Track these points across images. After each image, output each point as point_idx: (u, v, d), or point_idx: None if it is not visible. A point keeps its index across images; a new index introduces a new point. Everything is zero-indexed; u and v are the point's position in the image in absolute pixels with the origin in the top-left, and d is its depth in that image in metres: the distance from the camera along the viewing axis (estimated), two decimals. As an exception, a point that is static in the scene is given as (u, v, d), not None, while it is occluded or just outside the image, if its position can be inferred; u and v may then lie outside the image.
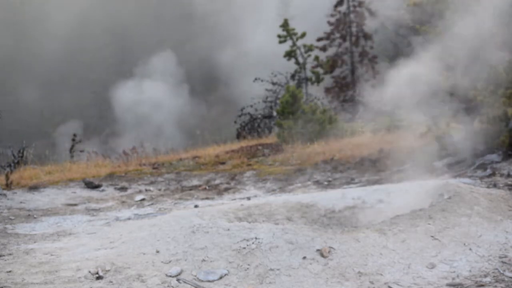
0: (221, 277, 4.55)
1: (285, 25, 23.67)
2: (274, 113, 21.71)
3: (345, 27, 24.63)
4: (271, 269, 4.57)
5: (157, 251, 5.05)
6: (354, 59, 24.73)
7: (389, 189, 6.99)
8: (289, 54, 23.93)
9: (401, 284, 4.39)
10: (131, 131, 32.75)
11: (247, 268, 4.62)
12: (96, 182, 10.51)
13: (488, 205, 5.68)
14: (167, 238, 5.25)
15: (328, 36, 24.86)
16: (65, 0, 40.18)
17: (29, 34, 38.54)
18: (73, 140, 16.64)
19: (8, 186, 10.05)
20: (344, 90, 24.59)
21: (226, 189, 10.00)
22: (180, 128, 32.97)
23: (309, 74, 24.22)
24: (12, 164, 12.96)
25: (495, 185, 7.61)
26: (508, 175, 8.23)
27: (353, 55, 24.80)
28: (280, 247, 4.78)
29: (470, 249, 4.86)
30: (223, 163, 12.43)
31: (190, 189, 10.17)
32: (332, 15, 24.87)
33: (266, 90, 24.74)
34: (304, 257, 4.67)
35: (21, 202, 8.95)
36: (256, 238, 4.90)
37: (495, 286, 4.30)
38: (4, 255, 5.56)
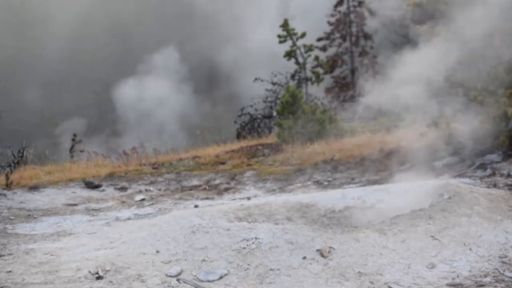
0: (221, 277, 4.55)
1: (285, 25, 23.68)
2: (274, 113, 21.71)
3: (345, 27, 24.64)
4: (271, 269, 4.57)
5: (157, 251, 5.05)
6: (354, 59, 24.74)
7: (389, 189, 6.99)
8: (289, 54, 23.93)
9: (401, 284, 4.39)
10: (134, 130, 32.76)
11: (247, 268, 4.62)
12: (96, 182, 10.51)
13: (488, 205, 5.68)
14: (167, 238, 5.25)
15: (328, 36, 24.88)
16: (65, 0, 40.18)
17: (30, 34, 38.54)
18: (73, 140, 16.64)
19: (8, 186, 10.05)
20: (344, 90, 24.60)
21: (226, 189, 10.01)
22: (183, 126, 32.97)
23: (309, 74, 24.22)
24: (12, 164, 12.96)
25: (495, 185, 7.61)
26: (508, 175, 8.23)
27: (353, 55, 24.81)
28: (280, 247, 4.78)
29: (470, 249, 4.86)
30: (223, 163, 12.43)
31: (190, 189, 10.17)
32: (332, 15, 24.88)
33: (266, 90, 24.74)
34: (304, 257, 4.67)
35: (21, 202, 8.95)
36: (256, 238, 4.90)
37: (495, 286, 4.30)
38: (4, 255, 5.56)
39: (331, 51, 24.87)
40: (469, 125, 9.58)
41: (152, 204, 8.95)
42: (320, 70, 24.25)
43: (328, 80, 24.89)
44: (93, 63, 38.13)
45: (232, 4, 38.29)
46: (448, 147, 9.66)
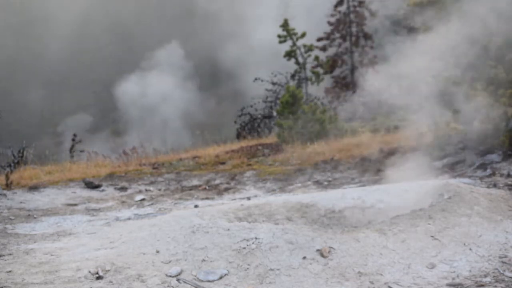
0: (221, 277, 4.55)
1: (285, 25, 23.67)
2: (274, 113, 21.71)
3: (345, 27, 24.62)
4: (271, 269, 4.57)
5: (157, 251, 5.05)
6: (354, 59, 24.73)
7: (389, 189, 6.99)
8: (289, 54, 23.93)
9: (401, 284, 4.39)
10: (137, 128, 32.79)
11: (247, 268, 4.62)
12: (96, 182, 10.51)
13: (488, 205, 5.68)
14: (167, 238, 5.25)
15: (328, 36, 24.86)
16: (66, 0, 40.20)
17: (30, 33, 38.54)
18: (73, 140, 16.63)
19: (8, 186, 10.05)
20: (344, 90, 24.58)
21: (226, 189, 10.01)
22: (186, 123, 32.99)
23: (309, 74, 24.21)
24: (12, 164, 12.96)
25: (495, 185, 7.62)
26: (508, 175, 8.24)
27: (353, 55, 24.80)
28: (280, 247, 4.78)
29: (470, 249, 4.86)
30: (223, 163, 12.43)
31: (190, 189, 10.17)
32: (332, 15, 24.86)
33: (266, 90, 24.74)
34: (304, 257, 4.67)
35: (21, 202, 8.95)
36: (256, 238, 4.90)
37: (495, 286, 4.30)
38: (4, 255, 5.56)
39: (331, 51, 24.85)
40: (469, 125, 9.59)
41: (152, 204, 8.95)
42: (320, 70, 24.24)
43: (328, 80, 24.88)
44: (93, 63, 38.14)
45: (233, 2, 38.30)
46: (448, 147, 9.66)
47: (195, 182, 10.82)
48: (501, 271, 4.53)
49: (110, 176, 11.28)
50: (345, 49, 24.88)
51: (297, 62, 24.14)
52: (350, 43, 24.76)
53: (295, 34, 23.70)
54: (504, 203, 5.88)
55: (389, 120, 12.06)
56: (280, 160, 12.32)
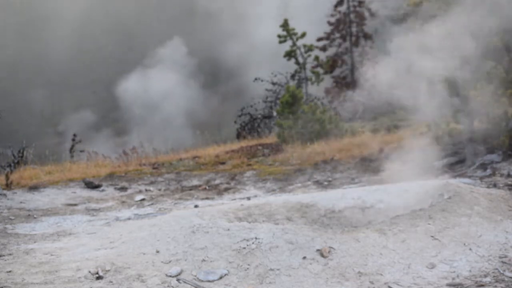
0: (221, 277, 4.55)
1: (285, 25, 23.67)
2: (274, 113, 21.70)
3: (345, 27, 24.63)
4: (271, 269, 4.57)
5: (157, 251, 5.05)
6: (354, 59, 24.73)
7: (389, 189, 6.99)
8: (289, 54, 23.92)
9: (401, 284, 4.39)
10: (139, 126, 32.80)
11: (247, 268, 4.62)
12: (96, 182, 10.51)
13: (488, 205, 5.68)
14: (167, 238, 5.25)
15: (328, 36, 24.87)
16: (67, 0, 40.20)
17: (32, 33, 38.52)
18: (73, 140, 16.62)
19: (8, 186, 10.05)
20: (344, 90, 24.58)
21: (226, 189, 10.01)
22: (187, 122, 33.00)
23: (309, 74, 24.21)
24: (12, 164, 12.96)
25: (495, 185, 7.62)
26: (508, 175, 8.24)
27: (353, 55, 24.80)
28: (280, 247, 4.78)
29: (470, 249, 4.86)
30: (223, 163, 12.43)
31: (190, 189, 10.17)
32: (332, 15, 24.87)
33: (266, 90, 24.74)
34: (304, 257, 4.67)
35: (21, 202, 8.95)
36: (256, 238, 4.90)
37: (495, 286, 4.30)
38: (4, 255, 5.56)
39: (331, 51, 24.86)
40: (469, 125, 9.59)
41: (152, 204, 8.95)
42: (320, 70, 24.24)
43: (328, 80, 24.88)
44: (94, 63, 38.15)
45: (234, 1, 38.32)
46: (448, 147, 9.66)
47: (195, 182, 10.82)
48: (501, 271, 4.53)
49: (110, 176, 11.28)
50: (345, 49, 24.88)
51: (297, 62, 24.14)
52: (350, 43, 24.76)
53: (295, 34, 23.70)
54: (504, 203, 5.88)
55: (389, 120, 12.07)
56: (280, 160, 12.32)
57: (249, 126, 23.24)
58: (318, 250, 4.75)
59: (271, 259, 4.67)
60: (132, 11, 40.58)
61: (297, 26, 24.02)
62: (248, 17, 36.43)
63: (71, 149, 16.25)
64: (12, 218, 7.80)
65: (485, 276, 4.49)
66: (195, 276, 4.60)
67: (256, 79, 24.91)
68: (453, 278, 4.46)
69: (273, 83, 24.71)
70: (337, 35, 24.83)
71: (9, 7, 39.56)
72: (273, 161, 12.28)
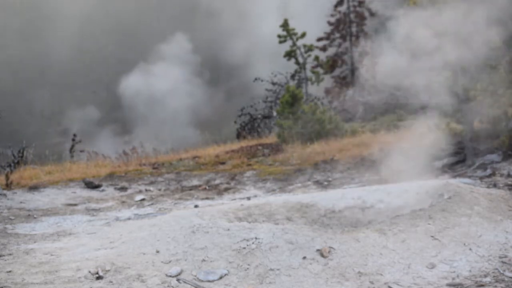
0: (221, 277, 4.55)
1: (285, 25, 23.68)
2: (274, 113, 21.70)
3: (345, 27, 24.62)
4: (271, 269, 4.57)
5: (157, 251, 5.05)
6: (354, 59, 24.72)
7: (389, 189, 6.99)
8: (289, 54, 23.93)
9: (401, 284, 4.39)
10: (140, 125, 32.84)
11: (247, 268, 4.62)
12: (96, 182, 10.51)
13: (488, 205, 5.68)
14: (167, 238, 5.25)
15: (328, 36, 24.86)
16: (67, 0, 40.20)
17: (34, 33, 38.52)
18: (73, 140, 16.63)
19: (8, 186, 10.05)
20: (344, 90, 24.58)
21: (226, 189, 10.01)
22: (187, 121, 33.03)
23: (309, 74, 24.22)
24: (12, 164, 12.96)
25: (495, 185, 7.62)
26: (508, 175, 8.24)
27: (353, 55, 24.80)
28: (280, 247, 4.78)
29: (470, 249, 4.86)
30: (223, 163, 12.43)
31: (190, 189, 10.17)
32: (332, 15, 24.86)
33: (266, 90, 24.75)
34: (304, 257, 4.67)
35: (21, 202, 8.95)
36: (256, 238, 4.90)
37: (495, 286, 4.30)
38: (4, 255, 5.56)
39: (331, 51, 24.85)
40: (469, 125, 9.59)
41: (152, 204, 8.95)
42: (320, 70, 24.24)
43: (328, 80, 24.88)
44: (94, 63, 38.17)
45: (234, 1, 38.35)
46: (448, 147, 9.66)
47: (195, 182, 10.82)
48: (501, 271, 4.53)
49: (110, 176, 11.28)
50: (345, 49, 24.88)
51: (297, 62, 24.15)
52: (350, 43, 24.76)
53: (295, 34, 23.71)
54: (504, 203, 5.88)
55: (389, 120, 12.07)
56: (280, 160, 12.32)
57: (249, 126, 23.24)
58: (318, 250, 4.75)
59: (271, 259, 4.67)
60: (133, 11, 40.59)
61: (297, 26, 24.04)
62: (250, 15, 36.46)
63: (71, 149, 16.26)
64: (12, 218, 7.80)
65: (485, 276, 4.49)
66: (195, 276, 4.60)
67: (256, 79, 24.92)
68: (453, 278, 4.46)
69: (273, 83, 24.71)
70: (337, 35, 24.83)
71: (10, 7, 39.55)
72: (273, 161, 12.28)
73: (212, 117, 32.36)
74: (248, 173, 11.10)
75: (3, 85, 35.06)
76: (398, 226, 5.14)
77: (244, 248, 4.83)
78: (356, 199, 6.91)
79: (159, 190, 10.25)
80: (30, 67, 37.19)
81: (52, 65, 37.66)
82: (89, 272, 4.72)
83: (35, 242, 6.24)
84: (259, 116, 23.68)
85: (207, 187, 10.26)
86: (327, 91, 24.58)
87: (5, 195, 9.25)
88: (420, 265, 4.63)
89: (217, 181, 10.71)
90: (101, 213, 8.18)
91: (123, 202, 9.26)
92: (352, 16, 24.59)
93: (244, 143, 15.90)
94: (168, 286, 4.45)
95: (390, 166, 8.82)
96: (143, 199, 9.33)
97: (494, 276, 4.47)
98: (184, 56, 36.57)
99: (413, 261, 4.68)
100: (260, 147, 14.27)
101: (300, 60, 24.10)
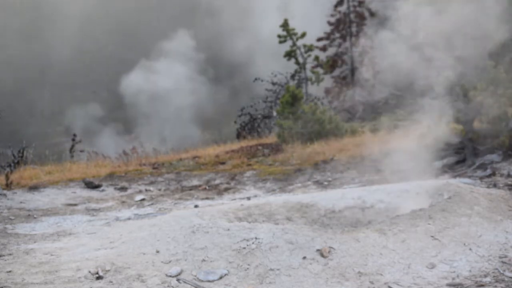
0: (221, 277, 4.55)
1: (285, 25, 23.68)
2: (274, 113, 21.71)
3: (345, 27, 24.63)
4: (271, 269, 4.57)
5: (157, 251, 5.05)
6: (354, 59, 24.72)
7: (389, 189, 6.99)
8: (289, 54, 23.94)
9: (401, 284, 4.39)
10: (142, 124, 32.88)
11: (247, 268, 4.62)
12: (96, 182, 10.51)
13: (488, 205, 5.68)
14: (167, 238, 5.25)
15: (328, 36, 24.86)
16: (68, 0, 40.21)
17: (34, 34, 38.54)
18: (73, 140, 16.63)
19: (8, 186, 10.05)
20: (344, 90, 24.59)
21: (226, 189, 10.01)
22: (187, 120, 33.07)
23: (309, 74, 24.23)
24: (12, 164, 12.96)
25: (495, 185, 7.62)
26: (508, 175, 8.24)
27: (353, 55, 24.80)
28: (280, 247, 4.78)
29: (470, 249, 4.86)
30: (223, 163, 12.43)
31: (190, 189, 10.17)
32: (332, 15, 24.86)
33: (266, 90, 24.76)
34: (304, 257, 4.67)
35: (21, 202, 8.95)
36: (256, 238, 4.90)
37: (495, 286, 4.30)
38: (4, 255, 5.56)
39: (331, 51, 24.85)
40: (469, 125, 9.59)
41: (152, 204, 8.95)
42: (320, 70, 24.25)
43: (328, 80, 24.88)
44: (94, 62, 38.19)
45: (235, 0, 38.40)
46: (448, 147, 9.66)
47: (195, 182, 10.82)
48: (501, 271, 4.53)
49: (110, 176, 11.28)
50: (345, 49, 24.88)
51: (297, 62, 24.16)
52: (350, 43, 24.76)
53: (295, 34, 23.72)
54: (504, 203, 5.88)
55: (389, 120, 12.06)
56: (280, 160, 12.32)
57: (249, 126, 23.25)
58: (318, 250, 4.75)
59: (271, 259, 4.67)
60: (133, 10, 40.62)
61: (297, 26, 24.05)
62: (250, 14, 36.49)
63: (71, 149, 16.27)
64: (12, 218, 7.80)
65: (485, 276, 4.49)
66: (195, 276, 4.60)
67: (256, 79, 24.93)
68: (453, 278, 4.46)
69: (273, 83, 24.72)
70: (337, 35, 24.82)
71: (10, 7, 39.55)
72: (273, 161, 12.29)
73: (214, 115, 32.38)
74: (248, 173, 11.10)
75: (3, 85, 35.06)
76: (398, 226, 5.14)
77: (244, 248, 4.83)
78: (356, 199, 6.91)
79: (159, 190, 10.25)
80: (30, 67, 37.18)
81: (52, 65, 37.67)
82: (89, 272, 4.72)
83: (35, 242, 6.25)
84: (259, 116, 23.69)
85: (207, 187, 10.26)
86: (327, 91, 24.58)
87: (5, 195, 9.25)
88: (420, 265, 4.63)
89: (217, 181, 10.71)
90: (101, 213, 8.18)
91: (123, 202, 9.26)
92: (352, 16, 24.58)
93: (244, 143, 15.90)
94: (168, 286, 4.45)
95: (390, 166, 8.82)
96: (143, 199, 9.33)
97: (494, 276, 4.47)
98: (188, 53, 36.60)
99: (413, 261, 4.68)
100: (260, 147, 14.27)
101: (300, 60, 24.11)
